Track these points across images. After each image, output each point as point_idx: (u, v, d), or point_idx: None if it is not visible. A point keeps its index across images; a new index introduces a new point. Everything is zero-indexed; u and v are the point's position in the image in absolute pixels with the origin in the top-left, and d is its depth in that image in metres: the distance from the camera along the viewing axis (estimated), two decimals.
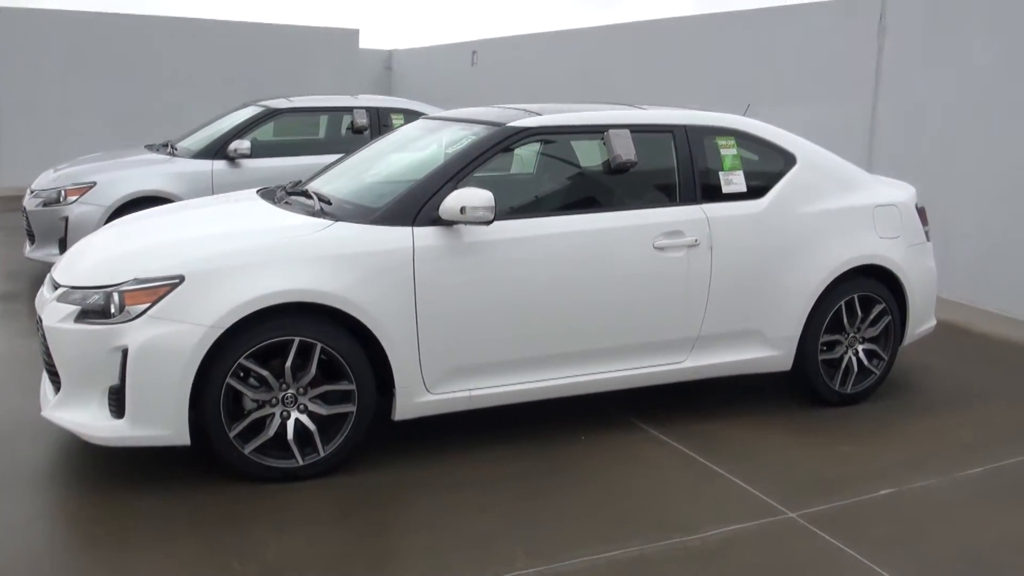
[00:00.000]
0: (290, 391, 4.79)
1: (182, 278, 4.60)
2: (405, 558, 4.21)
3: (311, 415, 4.83)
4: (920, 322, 6.46)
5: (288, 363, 4.72)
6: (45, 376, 5.07)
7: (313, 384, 4.82)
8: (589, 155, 6.03)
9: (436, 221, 5.03)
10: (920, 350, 7.18)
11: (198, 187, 9.35)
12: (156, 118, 16.11)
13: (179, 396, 4.53)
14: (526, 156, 6.35)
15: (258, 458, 4.75)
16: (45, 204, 9.09)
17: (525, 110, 5.80)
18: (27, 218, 9.28)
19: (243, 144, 9.60)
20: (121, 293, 4.59)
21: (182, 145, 10.19)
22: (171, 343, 4.50)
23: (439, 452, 5.24)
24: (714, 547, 4.30)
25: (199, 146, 9.93)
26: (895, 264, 6.17)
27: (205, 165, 9.63)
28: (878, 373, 6.25)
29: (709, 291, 5.66)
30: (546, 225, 5.32)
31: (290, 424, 4.80)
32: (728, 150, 5.88)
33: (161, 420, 4.55)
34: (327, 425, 4.88)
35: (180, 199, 8.80)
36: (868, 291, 6.12)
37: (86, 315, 4.62)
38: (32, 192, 9.39)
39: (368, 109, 10.52)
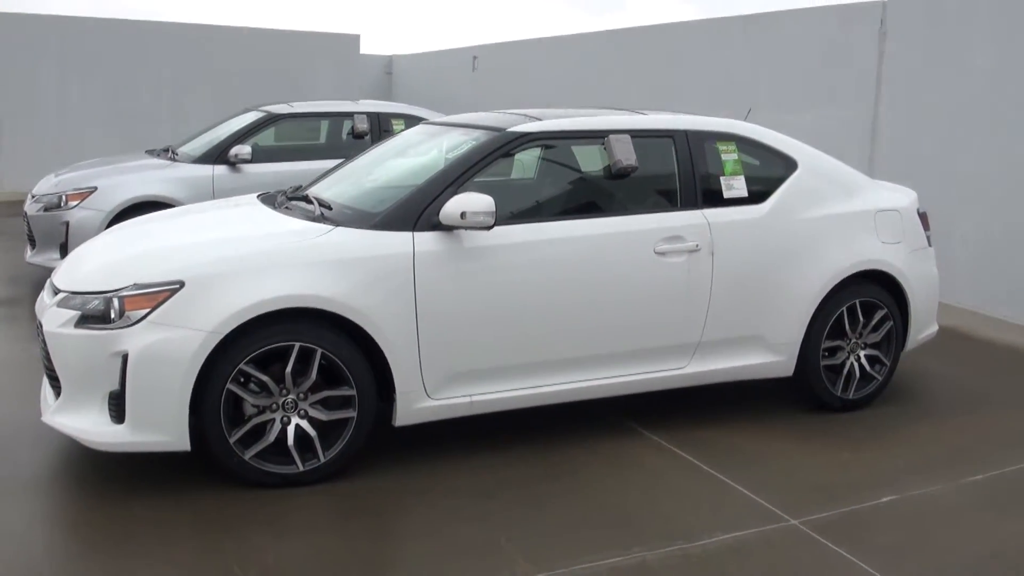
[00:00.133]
0: (290, 396, 4.78)
1: (182, 283, 4.59)
2: (405, 565, 4.20)
3: (311, 421, 4.82)
4: (922, 328, 6.45)
5: (288, 368, 4.71)
6: (45, 381, 5.06)
7: (313, 389, 4.81)
8: (590, 160, 6.02)
9: (437, 226, 5.02)
10: (922, 356, 7.16)
11: (199, 192, 9.34)
12: (157, 123, 16.12)
13: (179, 402, 4.52)
14: (527, 161, 6.35)
15: (258, 464, 4.74)
16: (46, 209, 9.09)
17: (526, 115, 5.80)
18: (28, 223, 9.28)
19: (244, 149, 9.61)
20: (121, 298, 4.58)
21: (183, 150, 10.18)
22: (171, 348, 4.49)
23: (439, 458, 5.23)
24: (716, 554, 4.28)
25: (200, 151, 9.92)
26: (897, 269, 6.16)
27: (206, 170, 9.62)
28: (880, 379, 6.23)
29: (710, 296, 5.65)
30: (547, 230, 5.31)
31: (290, 430, 4.78)
32: (729, 155, 5.88)
33: (161, 426, 4.54)
34: (327, 431, 4.86)
35: (181, 204, 8.80)
36: (870, 296, 6.11)
37: (86, 320, 4.61)
38: (33, 197, 9.39)
39: (369, 114, 10.52)
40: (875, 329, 6.18)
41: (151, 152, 10.57)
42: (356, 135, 10.27)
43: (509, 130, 5.49)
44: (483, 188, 5.16)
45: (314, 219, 5.19)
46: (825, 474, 5.20)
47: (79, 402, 4.64)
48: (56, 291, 4.92)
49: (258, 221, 5.41)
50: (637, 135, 5.69)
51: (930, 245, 6.53)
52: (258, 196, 6.07)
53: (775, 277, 5.81)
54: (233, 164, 9.64)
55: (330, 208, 5.35)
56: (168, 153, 10.17)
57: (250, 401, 4.72)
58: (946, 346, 7.62)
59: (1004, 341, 8.07)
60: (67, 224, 8.91)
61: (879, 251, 6.13)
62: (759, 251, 5.78)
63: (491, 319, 5.13)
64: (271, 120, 10.19)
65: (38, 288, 8.56)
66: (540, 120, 5.63)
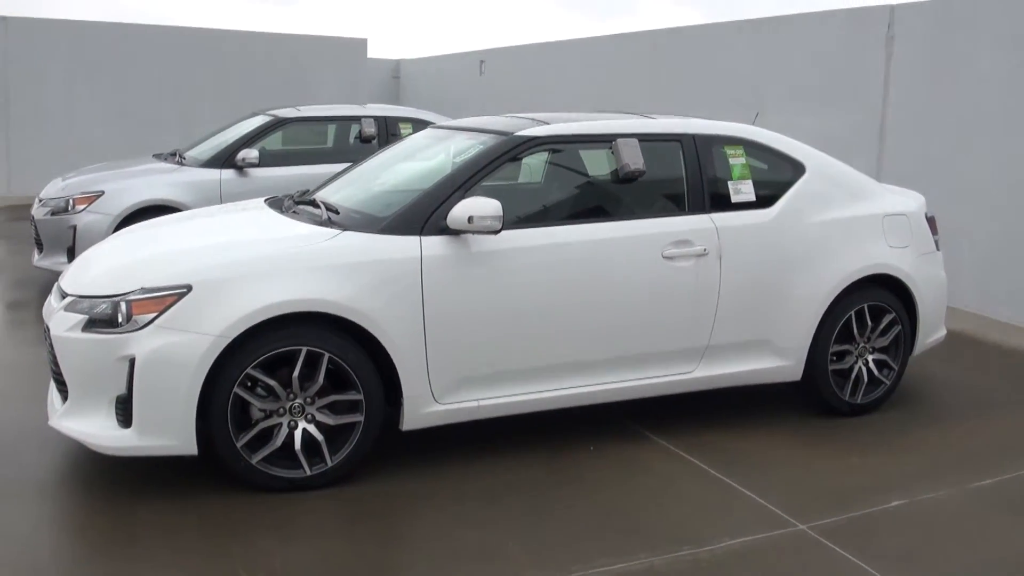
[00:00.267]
0: (297, 401, 4.78)
1: (189, 287, 4.59)
2: (412, 569, 4.20)
3: (318, 425, 4.82)
4: (930, 332, 6.43)
5: (295, 373, 4.71)
6: (52, 385, 5.07)
7: (321, 394, 4.81)
8: (597, 164, 6.01)
9: (444, 230, 5.01)
10: (930, 360, 7.14)
11: (206, 196, 9.36)
12: (164, 127, 16.14)
13: (186, 406, 4.52)
14: (534, 165, 6.34)
15: (265, 468, 4.74)
16: (53, 213, 9.11)
17: (533, 119, 5.79)
18: (35, 227, 9.30)
19: (251, 153, 9.62)
20: (128, 302, 4.58)
21: (190, 154, 10.20)
22: (178, 353, 4.49)
23: (446, 463, 5.22)
24: (724, 559, 4.27)
25: (207, 155, 9.94)
26: (905, 274, 6.14)
27: (213, 174, 9.64)
28: (888, 383, 6.22)
29: (718, 301, 5.64)
30: (554, 234, 5.31)
31: (297, 434, 4.78)
32: (737, 159, 5.87)
33: (168, 430, 4.54)
34: (334, 435, 4.86)
35: (188, 208, 8.81)
36: (878, 301, 6.09)
37: (93, 324, 4.61)
38: (40, 201, 9.41)
39: (376, 118, 10.54)
40: (883, 333, 6.17)
41: (158, 156, 10.59)
42: (363, 139, 10.28)
43: (517, 134, 5.49)
44: (490, 192, 5.16)
45: (321, 223, 5.19)
46: (833, 478, 5.19)
47: (86, 406, 4.64)
48: (63, 295, 4.93)
49: (265, 225, 5.41)
50: (645, 139, 5.68)
51: (938, 249, 6.52)
52: (265, 200, 6.08)
53: (783, 281, 5.80)
54: (240, 168, 9.65)
55: (337, 212, 5.35)
56: (175, 157, 10.19)
57: (257, 405, 4.71)
58: (954, 350, 7.60)
59: (1012, 345, 8.04)
60: (74, 228, 8.93)
61: (887, 255, 6.11)
62: (767, 255, 5.77)
63: (498, 323, 5.12)
64: (278, 124, 10.20)
65: (45, 292, 8.56)
66: (548, 124, 5.62)
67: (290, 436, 4.77)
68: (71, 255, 8.76)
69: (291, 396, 4.76)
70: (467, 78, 18.17)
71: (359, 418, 4.85)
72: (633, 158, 5.52)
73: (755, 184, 5.85)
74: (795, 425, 5.96)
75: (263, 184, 9.44)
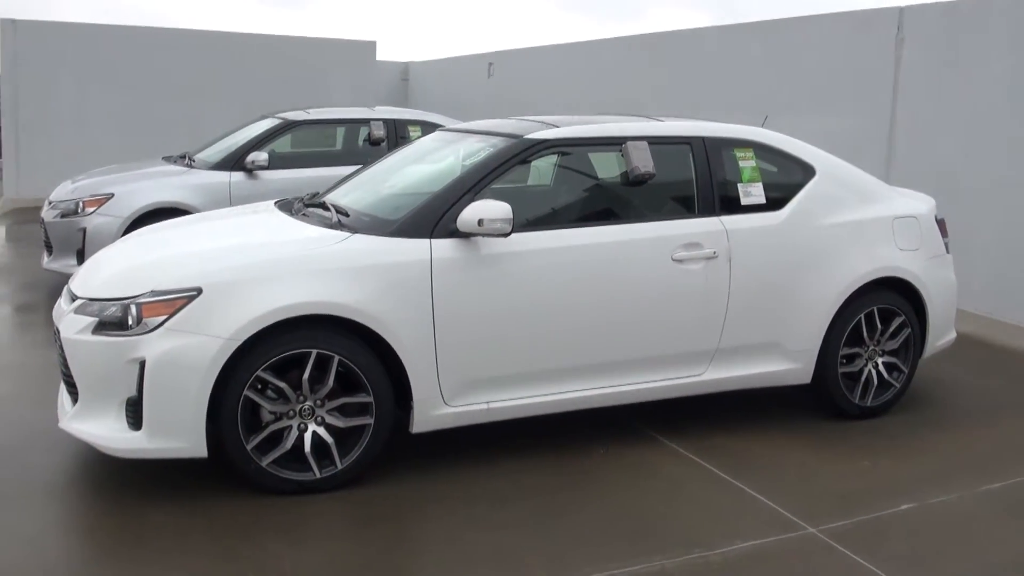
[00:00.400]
0: (307, 403, 4.78)
1: (200, 290, 4.59)
2: (422, 573, 4.20)
3: (328, 428, 4.82)
4: (940, 335, 6.42)
5: (306, 375, 4.71)
6: (62, 387, 5.08)
7: (331, 396, 4.81)
8: (607, 167, 6.01)
9: (454, 233, 5.02)
10: (940, 363, 7.13)
11: (216, 199, 9.37)
12: (173, 130, 16.15)
13: (197, 408, 4.53)
14: (543, 168, 6.34)
15: (275, 470, 4.74)
16: (63, 215, 9.13)
17: (543, 122, 5.79)
18: (45, 229, 9.32)
19: (261, 156, 9.63)
20: (139, 305, 4.59)
21: (199, 157, 10.22)
22: (189, 355, 4.50)
23: (456, 466, 5.22)
24: (734, 562, 4.27)
25: (217, 158, 9.96)
26: (915, 276, 6.13)
27: (223, 177, 9.65)
28: (898, 386, 6.20)
29: (728, 303, 5.63)
30: (564, 237, 5.31)
31: (307, 436, 4.78)
32: (747, 162, 5.86)
33: (178, 432, 4.55)
34: (345, 438, 4.86)
35: (198, 211, 8.83)
36: (888, 303, 6.08)
37: (104, 327, 4.62)
38: (50, 203, 9.44)
39: (385, 121, 10.54)
40: (893, 336, 6.15)
41: (168, 158, 10.61)
42: (372, 142, 10.28)
43: (526, 137, 5.49)
44: (500, 195, 5.16)
45: (331, 226, 5.19)
46: (843, 482, 5.18)
47: (96, 408, 4.65)
48: (74, 298, 4.94)
49: (275, 228, 5.42)
50: (655, 142, 5.68)
51: (948, 252, 6.50)
52: (275, 203, 6.08)
53: (793, 284, 5.79)
54: (250, 171, 9.67)
55: (347, 215, 5.35)
56: (185, 160, 10.22)
57: (267, 408, 4.72)
58: (964, 353, 7.59)
59: (1022, 348, 8.02)
60: (84, 230, 8.95)
61: (897, 258, 6.10)
62: (777, 258, 5.76)
63: (508, 326, 5.12)
64: (288, 127, 10.22)
65: (54, 294, 8.58)
66: (557, 127, 5.62)
67: (300, 439, 4.78)
68: (81, 257, 8.78)
69: (301, 399, 4.76)
70: (475, 80, 18.17)
71: (369, 421, 4.86)
72: (643, 161, 5.52)
73: (765, 187, 5.84)
74: (805, 428, 5.95)
75: (273, 187, 9.45)
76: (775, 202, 5.85)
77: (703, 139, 5.81)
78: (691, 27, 12.94)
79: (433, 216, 5.06)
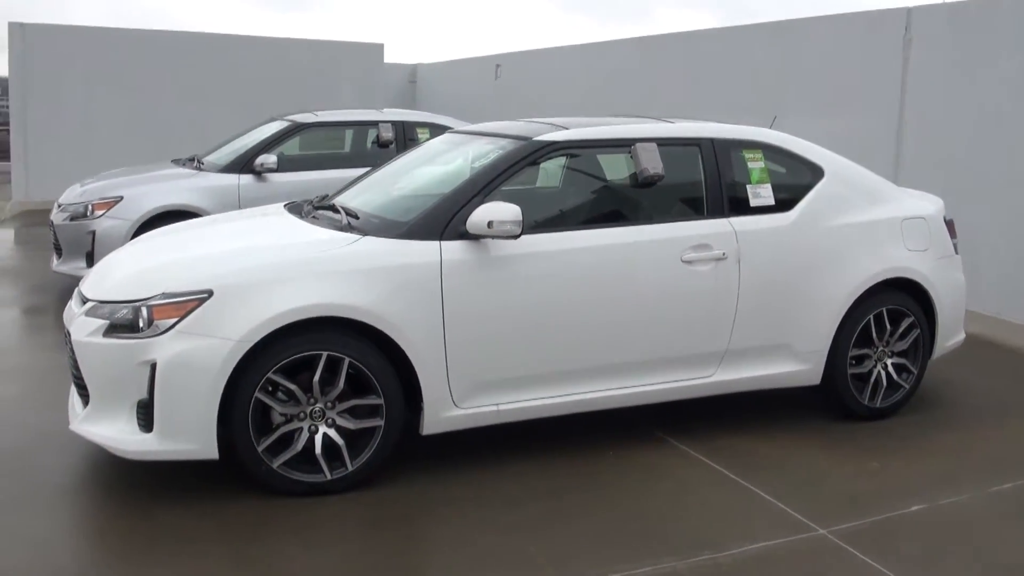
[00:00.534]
0: (318, 405, 4.79)
1: (210, 293, 4.60)
2: (433, 574, 4.20)
3: (339, 429, 4.83)
4: (949, 336, 6.41)
5: (316, 377, 4.72)
6: (73, 390, 5.09)
7: (341, 398, 4.82)
8: (616, 169, 6.02)
9: (463, 235, 5.02)
10: (949, 364, 7.11)
11: (225, 201, 9.38)
12: (182, 133, 16.17)
13: (207, 410, 4.54)
14: (552, 170, 6.34)
15: (286, 472, 4.75)
16: (72, 218, 9.15)
17: (552, 124, 5.80)
18: (54, 232, 9.34)
19: (270, 158, 9.64)
20: (149, 307, 4.60)
21: (208, 159, 10.23)
22: (199, 357, 4.51)
23: (466, 468, 5.23)
24: (744, 564, 4.27)
25: (226, 160, 9.97)
26: (924, 277, 6.13)
27: (232, 179, 9.66)
28: (907, 387, 6.20)
29: (737, 305, 5.63)
30: (573, 239, 5.31)
31: (318, 438, 4.79)
32: (756, 163, 5.86)
33: (189, 434, 4.56)
34: (355, 440, 4.87)
35: (207, 213, 8.84)
36: (897, 304, 6.08)
37: (114, 329, 4.63)
38: (59, 206, 9.45)
39: (394, 123, 10.54)
40: (902, 337, 6.15)
41: (177, 161, 10.63)
42: (381, 144, 10.29)
43: (535, 139, 5.50)
44: (510, 197, 5.17)
45: (341, 228, 5.20)
46: (853, 483, 5.18)
47: (107, 411, 4.67)
48: (84, 300, 4.95)
49: (285, 230, 5.43)
50: (663, 143, 5.68)
51: (957, 253, 6.49)
52: (285, 205, 6.09)
53: (802, 285, 5.79)
54: (259, 173, 9.67)
55: (357, 217, 5.36)
56: (194, 162, 10.23)
57: (278, 410, 4.73)
58: (973, 354, 7.57)
59: None
60: (93, 233, 8.96)
61: (906, 259, 6.10)
62: (786, 259, 5.76)
63: (518, 328, 5.13)
64: (296, 129, 10.23)
65: (64, 297, 8.61)
66: (566, 129, 5.63)
67: (311, 440, 4.78)
68: (90, 260, 8.79)
69: (312, 400, 4.77)
70: (483, 82, 18.18)
71: (379, 422, 4.86)
72: (652, 162, 5.52)
73: (774, 188, 5.84)
74: (814, 429, 5.94)
75: (282, 189, 9.46)
76: (784, 203, 5.85)
77: (712, 140, 5.82)
78: (698, 28, 12.94)
79: (443, 218, 5.07)
